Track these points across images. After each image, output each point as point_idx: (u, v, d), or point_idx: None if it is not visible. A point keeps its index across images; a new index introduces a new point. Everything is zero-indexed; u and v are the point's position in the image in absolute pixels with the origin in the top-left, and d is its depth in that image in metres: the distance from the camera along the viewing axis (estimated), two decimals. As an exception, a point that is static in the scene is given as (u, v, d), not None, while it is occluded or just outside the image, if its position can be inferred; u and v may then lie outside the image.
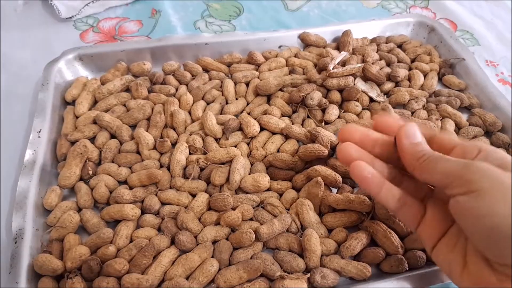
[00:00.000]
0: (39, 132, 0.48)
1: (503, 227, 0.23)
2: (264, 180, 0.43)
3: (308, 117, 0.53)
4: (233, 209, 0.42)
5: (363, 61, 0.59)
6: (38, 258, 0.37)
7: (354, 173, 0.32)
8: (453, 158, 0.28)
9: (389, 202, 0.32)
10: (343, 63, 0.58)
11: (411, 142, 0.31)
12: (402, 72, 0.58)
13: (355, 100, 0.54)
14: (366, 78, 0.57)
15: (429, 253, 0.31)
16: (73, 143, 0.48)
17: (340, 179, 0.44)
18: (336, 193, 0.44)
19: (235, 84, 0.56)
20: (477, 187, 0.25)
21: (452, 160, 0.28)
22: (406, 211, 0.32)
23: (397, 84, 0.58)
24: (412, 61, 0.63)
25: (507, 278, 0.25)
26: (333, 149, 0.48)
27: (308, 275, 0.37)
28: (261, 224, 0.41)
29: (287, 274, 0.36)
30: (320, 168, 0.44)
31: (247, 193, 0.44)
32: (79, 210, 0.43)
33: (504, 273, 0.25)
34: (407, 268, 0.38)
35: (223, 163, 0.46)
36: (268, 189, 0.45)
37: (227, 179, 0.45)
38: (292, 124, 0.51)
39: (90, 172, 0.46)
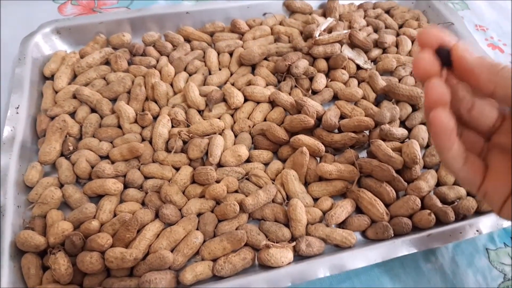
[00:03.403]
0: (17, 108, 0.45)
1: None
2: (243, 148, 0.42)
3: (296, 86, 0.50)
4: (218, 181, 0.40)
5: (350, 27, 0.56)
6: (20, 235, 0.36)
7: (436, 123, 0.24)
8: None
9: (457, 160, 0.26)
10: (330, 30, 0.54)
11: (477, 56, 0.23)
12: (389, 38, 0.55)
13: (342, 68, 0.52)
14: (353, 45, 0.53)
15: (496, 213, 0.27)
16: (53, 118, 0.45)
17: (323, 147, 0.42)
18: (320, 161, 0.42)
19: (218, 54, 0.53)
20: None
21: None
22: (469, 168, 0.26)
23: (385, 50, 0.55)
24: (400, 26, 0.59)
25: None
26: (319, 119, 0.46)
27: (294, 243, 0.36)
28: (246, 196, 0.39)
29: (273, 243, 0.35)
30: (303, 137, 0.42)
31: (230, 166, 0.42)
32: (61, 186, 0.41)
33: None
34: (393, 235, 0.37)
35: (207, 135, 0.44)
36: (249, 160, 0.43)
37: (206, 153, 0.42)
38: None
39: (71, 148, 0.43)
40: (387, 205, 0.39)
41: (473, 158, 0.27)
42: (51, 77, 0.50)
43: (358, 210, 0.39)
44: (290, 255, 0.35)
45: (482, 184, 0.27)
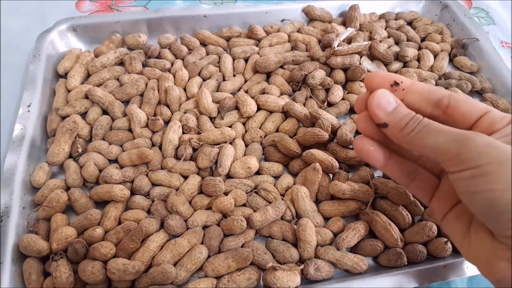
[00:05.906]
0: (29, 106, 0.44)
1: (501, 201, 0.21)
2: (253, 160, 0.40)
3: (311, 97, 0.47)
4: (226, 194, 0.38)
5: (371, 38, 0.53)
6: (23, 239, 0.34)
7: (356, 148, 0.28)
8: (444, 128, 0.23)
9: (397, 176, 0.29)
10: (349, 40, 0.51)
11: (385, 112, 0.25)
12: (411, 52, 0.51)
13: (360, 81, 0.49)
14: (372, 57, 0.50)
15: (439, 224, 0.28)
16: (64, 118, 0.44)
17: (337, 164, 0.39)
18: (332, 179, 0.40)
19: (233, 60, 0.51)
20: (474, 164, 0.22)
21: (444, 133, 0.23)
22: (417, 184, 0.29)
23: (406, 64, 0.52)
24: (422, 40, 0.56)
25: (507, 248, 0.23)
26: (334, 133, 0.43)
27: (302, 266, 0.33)
28: (254, 211, 0.37)
29: (279, 265, 0.33)
30: (316, 151, 0.39)
31: (239, 178, 0.40)
32: (67, 188, 0.40)
33: (505, 243, 0.23)
34: (406, 263, 0.34)
35: (217, 144, 0.41)
36: (258, 172, 0.41)
37: (215, 163, 0.40)
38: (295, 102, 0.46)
39: (80, 150, 0.42)
40: (401, 230, 0.36)
41: (423, 174, 0.29)
42: (65, 75, 0.49)
43: (371, 233, 0.37)
44: (297, 279, 0.32)
45: (431, 200, 0.28)
